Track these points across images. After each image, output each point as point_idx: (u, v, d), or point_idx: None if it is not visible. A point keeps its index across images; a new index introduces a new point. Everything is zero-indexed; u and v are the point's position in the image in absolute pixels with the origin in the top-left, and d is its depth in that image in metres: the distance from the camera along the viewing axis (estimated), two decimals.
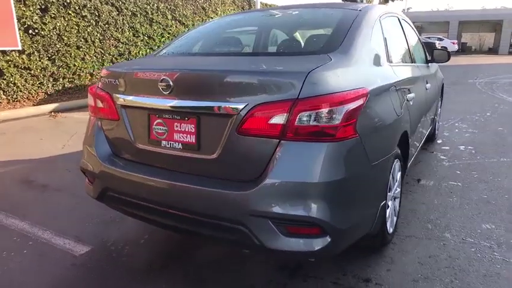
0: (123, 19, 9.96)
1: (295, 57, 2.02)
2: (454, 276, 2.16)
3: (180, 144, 1.92)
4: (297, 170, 1.65)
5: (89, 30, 9.13)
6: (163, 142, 1.97)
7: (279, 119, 1.66)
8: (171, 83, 1.84)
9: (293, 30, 2.49)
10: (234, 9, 14.31)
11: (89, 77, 9.38)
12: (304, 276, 2.19)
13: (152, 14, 10.78)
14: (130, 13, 10.12)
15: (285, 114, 1.64)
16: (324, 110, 1.62)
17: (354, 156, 1.73)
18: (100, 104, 2.23)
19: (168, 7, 11.31)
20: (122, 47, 10.05)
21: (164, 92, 1.88)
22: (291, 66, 1.83)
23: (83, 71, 9.18)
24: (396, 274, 2.19)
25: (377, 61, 2.20)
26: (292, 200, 1.65)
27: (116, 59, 9.95)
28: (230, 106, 1.74)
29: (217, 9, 13.39)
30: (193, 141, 1.87)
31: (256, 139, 1.72)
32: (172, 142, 1.94)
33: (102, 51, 9.56)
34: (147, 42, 10.78)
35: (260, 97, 1.69)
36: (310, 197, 1.64)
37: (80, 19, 8.93)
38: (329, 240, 1.67)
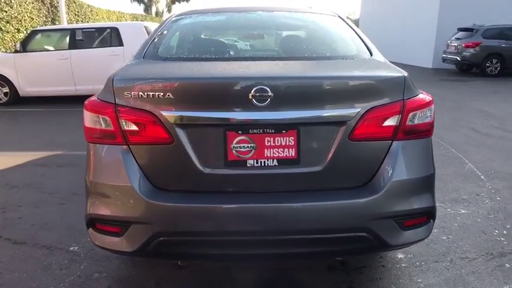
0: None
1: (351, 61, 2.02)
2: (448, 233, 2.70)
3: (275, 160, 1.69)
4: (414, 167, 1.76)
5: None
6: (250, 161, 1.68)
7: (392, 121, 1.71)
8: (269, 93, 1.60)
9: (303, 33, 2.46)
10: (32, 2, 11.99)
11: None
12: (358, 269, 2.29)
13: None
14: None
15: (398, 115, 1.71)
16: (425, 109, 1.77)
17: None
18: (131, 127, 1.67)
19: None
20: None
21: (258, 103, 1.61)
22: (380, 71, 1.86)
23: None
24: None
25: None
26: (414, 195, 1.75)
27: None
28: (343, 113, 1.66)
29: (12, 1, 10.93)
30: (293, 155, 1.69)
31: (369, 143, 1.71)
32: (263, 160, 1.69)
33: None
34: None
35: (370, 101, 1.69)
36: (425, 188, 1.78)
37: None
38: (432, 224, 1.86)
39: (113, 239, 1.74)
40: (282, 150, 1.69)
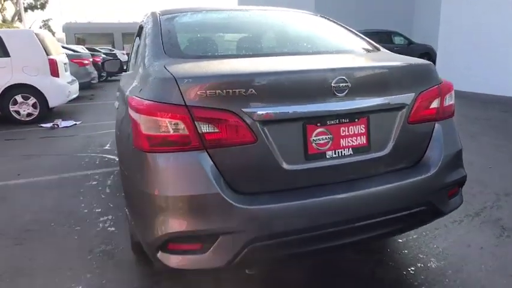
0: None
1: (372, 53, 2.19)
2: None
3: (350, 149, 1.73)
4: (454, 142, 1.99)
5: None
6: (328, 153, 1.69)
7: (435, 103, 1.91)
8: (348, 83, 1.64)
9: (313, 31, 2.52)
10: None
11: None
12: (378, 249, 2.46)
13: None
14: None
15: (438, 98, 1.92)
16: (452, 92, 2.03)
17: None
18: (210, 129, 1.52)
19: None
20: None
21: (338, 94, 1.64)
22: (414, 60, 2.04)
23: None
24: None
25: None
26: (456, 167, 1.98)
27: None
28: (402, 99, 1.80)
29: None
30: (365, 142, 1.76)
31: (421, 125, 1.88)
32: (339, 150, 1.71)
33: None
34: None
35: (419, 86, 1.86)
36: (460, 161, 2.03)
37: None
38: (461, 191, 2.13)
39: (196, 257, 1.55)
40: (355, 138, 1.74)
